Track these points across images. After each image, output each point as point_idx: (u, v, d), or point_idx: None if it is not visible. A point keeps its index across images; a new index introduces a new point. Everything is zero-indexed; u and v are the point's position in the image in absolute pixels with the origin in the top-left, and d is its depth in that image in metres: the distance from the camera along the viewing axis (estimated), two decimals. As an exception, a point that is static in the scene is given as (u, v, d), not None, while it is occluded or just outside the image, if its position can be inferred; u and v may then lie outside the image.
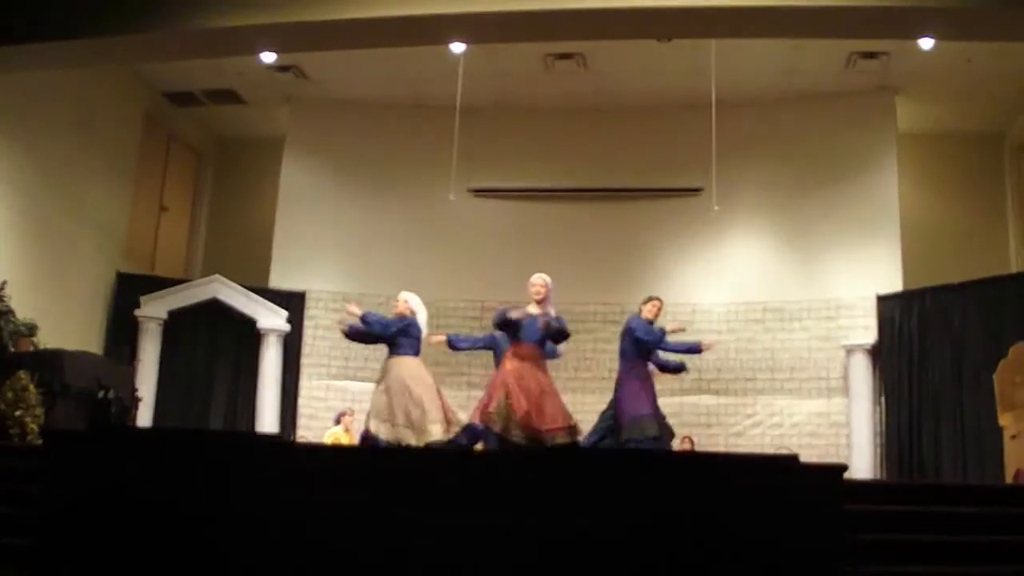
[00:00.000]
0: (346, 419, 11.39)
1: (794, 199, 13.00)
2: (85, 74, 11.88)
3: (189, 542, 4.99)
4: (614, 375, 8.71)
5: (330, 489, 5.06)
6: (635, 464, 5.42)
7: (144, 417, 11.64)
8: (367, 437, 8.18)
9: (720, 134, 11.81)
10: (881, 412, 11.98)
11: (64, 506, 5.18)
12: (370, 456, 6.10)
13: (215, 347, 13.12)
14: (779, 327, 12.72)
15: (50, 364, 9.28)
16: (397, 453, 6.50)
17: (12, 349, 9.49)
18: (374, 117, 13.79)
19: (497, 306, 12.81)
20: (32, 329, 9.82)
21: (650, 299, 8.91)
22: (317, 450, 7.32)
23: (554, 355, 8.66)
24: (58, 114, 11.74)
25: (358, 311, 8.53)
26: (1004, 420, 8.49)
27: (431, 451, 7.31)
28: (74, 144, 12.06)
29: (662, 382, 9.14)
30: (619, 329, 8.98)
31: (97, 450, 5.39)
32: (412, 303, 8.61)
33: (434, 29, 9.52)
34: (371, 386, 12.33)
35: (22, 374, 8.88)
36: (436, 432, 7.96)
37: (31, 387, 8.85)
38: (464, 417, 8.21)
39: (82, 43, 9.63)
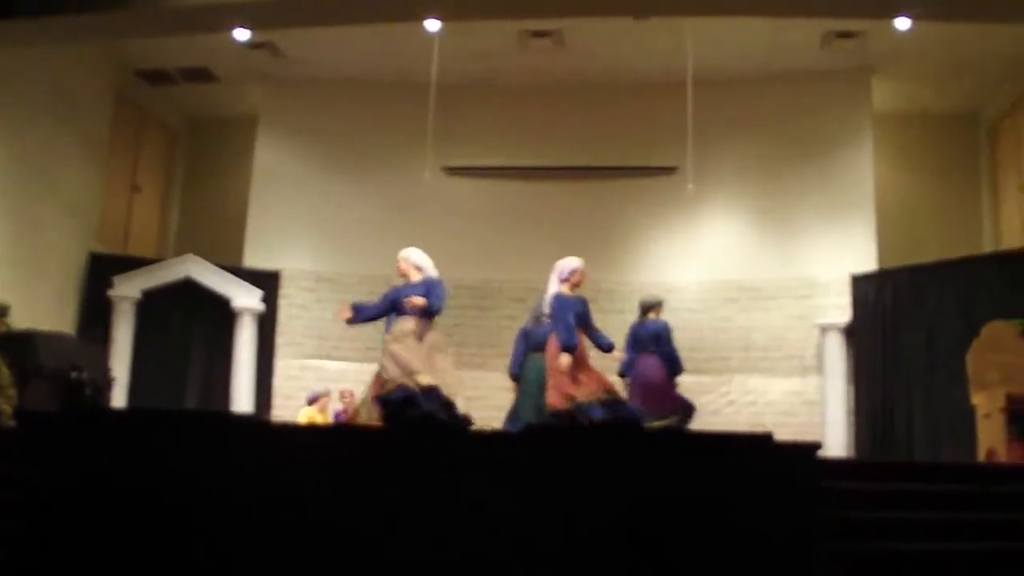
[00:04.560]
0: (323, 400, 11.38)
1: (769, 178, 13.03)
2: (57, 53, 11.71)
3: (165, 523, 4.97)
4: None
5: (311, 469, 5.05)
6: (610, 441, 5.42)
7: (119, 398, 11.59)
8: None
9: (696, 113, 11.80)
10: (855, 390, 12.06)
11: (38, 488, 5.14)
12: (352, 435, 6.08)
13: (190, 327, 13.04)
14: (754, 306, 12.76)
15: (23, 345, 9.19)
16: (379, 432, 6.47)
17: (-16, 330, 9.41)
18: (348, 96, 13.71)
19: (472, 284, 13.06)
20: (4, 310, 9.73)
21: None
22: (296, 430, 7.30)
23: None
24: (29, 94, 11.58)
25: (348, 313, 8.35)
26: (977, 399, 8.53)
27: (413, 430, 7.28)
28: (46, 124, 11.90)
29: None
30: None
31: (71, 432, 5.35)
32: (415, 259, 8.44)
33: (409, 6, 9.49)
34: (347, 365, 12.47)
35: (-6, 356, 8.81)
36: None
37: (4, 369, 8.78)
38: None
39: (54, 20, 9.56)
